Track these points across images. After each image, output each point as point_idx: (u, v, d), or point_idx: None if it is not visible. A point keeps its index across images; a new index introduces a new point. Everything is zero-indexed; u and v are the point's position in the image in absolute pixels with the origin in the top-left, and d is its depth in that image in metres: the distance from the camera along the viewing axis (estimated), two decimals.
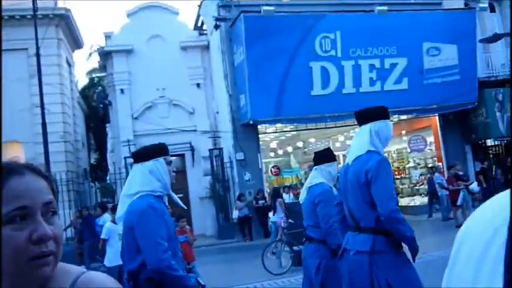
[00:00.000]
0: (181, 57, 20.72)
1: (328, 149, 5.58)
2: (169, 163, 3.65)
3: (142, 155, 3.65)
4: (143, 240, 3.30)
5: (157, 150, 3.64)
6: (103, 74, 25.47)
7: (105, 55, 21.10)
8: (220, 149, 19.07)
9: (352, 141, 4.14)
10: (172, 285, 3.29)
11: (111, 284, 1.13)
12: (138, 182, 3.54)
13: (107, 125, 23.07)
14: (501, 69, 20.25)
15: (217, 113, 20.31)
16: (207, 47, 20.96)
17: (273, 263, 10.35)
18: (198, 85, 20.89)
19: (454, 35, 18.25)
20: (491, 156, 20.97)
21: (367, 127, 3.86)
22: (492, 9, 21.13)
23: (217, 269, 11.55)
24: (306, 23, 17.28)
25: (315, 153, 5.21)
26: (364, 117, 3.97)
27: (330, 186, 4.80)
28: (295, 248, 9.97)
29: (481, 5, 19.12)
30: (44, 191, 1.07)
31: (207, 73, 20.97)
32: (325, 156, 5.01)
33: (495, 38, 15.96)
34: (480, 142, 20.71)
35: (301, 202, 5.04)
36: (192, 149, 20.24)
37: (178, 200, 3.94)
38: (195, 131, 20.35)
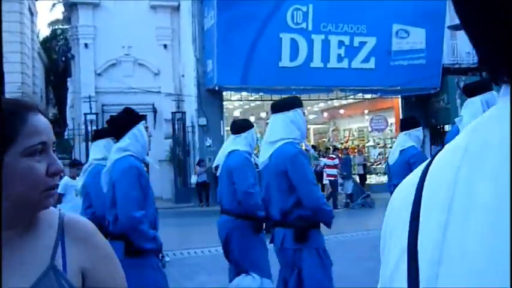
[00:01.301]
0: (150, 16, 20.25)
1: (414, 116, 6.22)
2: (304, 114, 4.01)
3: (282, 105, 3.93)
4: (301, 183, 3.67)
5: (296, 102, 3.98)
6: (66, 27, 24.68)
7: (70, 6, 20.39)
8: (183, 113, 18.90)
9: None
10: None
11: (90, 224, 1.29)
12: (281, 130, 3.82)
13: (68, 79, 22.48)
14: (465, 57, 20.62)
15: (183, 76, 20.05)
16: (177, 8, 20.54)
17: None
18: (165, 46, 20.52)
19: (424, 20, 18.42)
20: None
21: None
22: None
23: (173, 232, 11.54)
24: None
25: (402, 119, 6.04)
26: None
27: (420, 149, 5.49)
28: None
29: None
30: (52, 131, 1.19)
31: (175, 35, 20.59)
32: (413, 122, 5.54)
33: None
34: (438, 127, 21.19)
35: (390, 163, 5.60)
36: (155, 111, 19.98)
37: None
38: (159, 92, 20.08)
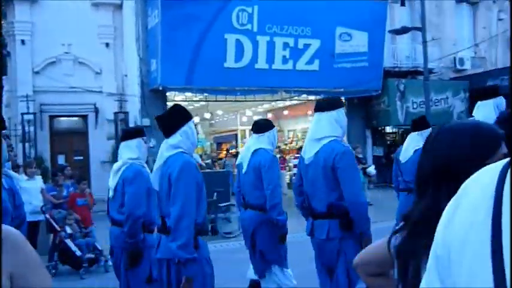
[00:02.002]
0: (91, 14, 19.65)
1: (424, 116, 6.75)
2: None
3: (327, 105, 4.23)
4: (347, 179, 3.99)
5: (340, 102, 4.40)
6: (2, 22, 23.63)
7: (6, 1, 19.53)
8: (126, 113, 18.49)
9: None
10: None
11: (21, 236, 1.42)
12: (326, 128, 4.13)
13: (3, 77, 21.52)
14: (405, 61, 21.28)
15: (126, 75, 19.61)
16: (120, 6, 20.06)
17: None
18: (107, 45, 19.99)
19: (366, 23, 18.84)
20: (388, 142, 22.10)
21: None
22: (402, 3, 22.02)
23: None
24: None
25: (413, 120, 6.48)
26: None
27: None
28: None
29: None
30: None
31: (117, 33, 20.10)
32: (424, 124, 6.14)
33: (404, 30, 16.71)
34: (380, 128, 21.73)
35: (402, 161, 6.22)
36: (96, 111, 19.42)
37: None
38: (100, 92, 19.53)
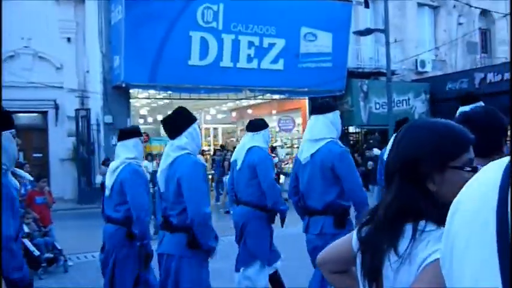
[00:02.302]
0: (52, 7, 19.18)
1: (407, 118, 7.08)
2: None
3: (323, 107, 4.53)
4: (348, 177, 4.31)
5: (335, 105, 4.76)
6: None
7: None
8: (88, 110, 18.14)
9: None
10: None
11: None
12: (322, 130, 4.42)
13: None
14: (368, 62, 21.58)
15: (88, 71, 19.23)
16: (82, 0, 19.66)
17: None
18: (68, 39, 19.54)
19: (331, 24, 19.00)
20: (351, 142, 22.36)
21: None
22: (366, 5, 22.34)
23: (75, 234, 11.05)
24: None
25: (397, 122, 6.79)
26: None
27: None
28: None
29: None
30: None
31: (79, 28, 19.67)
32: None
33: (367, 32, 16.93)
34: (343, 128, 21.94)
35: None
36: (57, 107, 18.97)
37: None
38: (61, 88, 19.08)
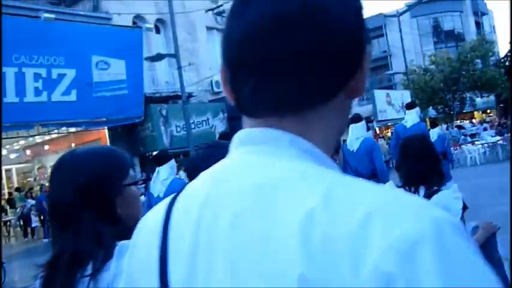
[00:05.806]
0: None
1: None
2: None
3: (358, 118, 6.62)
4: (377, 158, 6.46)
5: (361, 116, 6.74)
6: None
7: None
8: None
9: None
10: None
11: None
12: (361, 132, 6.59)
13: None
14: (165, 86, 21.79)
15: None
16: None
17: None
18: None
19: (123, 51, 18.75)
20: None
21: None
22: (158, 31, 22.62)
23: None
24: None
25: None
26: None
27: None
28: None
29: (147, 25, 20.17)
30: None
31: None
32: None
33: (159, 57, 17.07)
34: (147, 154, 21.75)
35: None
36: None
37: None
38: None
